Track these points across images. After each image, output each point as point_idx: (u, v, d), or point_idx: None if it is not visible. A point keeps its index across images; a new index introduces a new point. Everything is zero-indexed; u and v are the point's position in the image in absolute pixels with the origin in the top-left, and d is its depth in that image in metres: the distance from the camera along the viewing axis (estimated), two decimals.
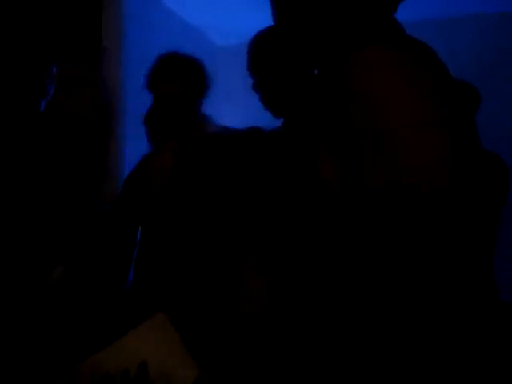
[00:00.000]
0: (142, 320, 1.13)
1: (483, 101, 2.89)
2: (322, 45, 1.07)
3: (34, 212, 2.36)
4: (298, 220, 1.07)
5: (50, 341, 1.91)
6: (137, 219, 2.81)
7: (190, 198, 2.51)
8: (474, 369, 0.97)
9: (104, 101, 3.32)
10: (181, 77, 2.57)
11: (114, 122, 3.55)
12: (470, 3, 4.39)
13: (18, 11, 3.01)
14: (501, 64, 4.20)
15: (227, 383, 1.16)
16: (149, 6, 4.15)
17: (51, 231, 2.45)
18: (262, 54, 2.26)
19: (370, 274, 0.97)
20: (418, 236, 0.91)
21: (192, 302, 2.19)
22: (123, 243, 2.77)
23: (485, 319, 0.96)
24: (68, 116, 2.78)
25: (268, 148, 1.36)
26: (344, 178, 0.94)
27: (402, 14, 1.15)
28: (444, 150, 0.92)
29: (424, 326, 0.95)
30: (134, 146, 3.07)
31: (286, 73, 1.97)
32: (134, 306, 2.44)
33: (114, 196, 3.25)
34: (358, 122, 0.93)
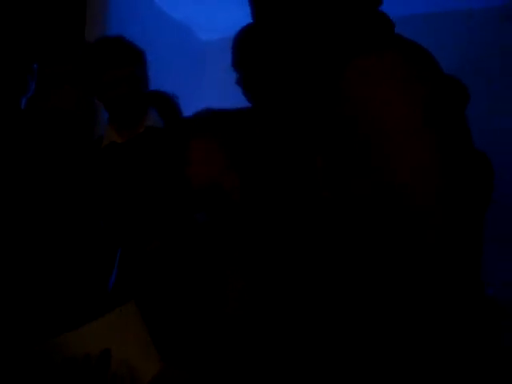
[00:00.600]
0: (113, 308, 1.11)
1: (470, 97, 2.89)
2: (312, 50, 1.05)
3: (15, 209, 2.33)
4: (281, 222, 1.05)
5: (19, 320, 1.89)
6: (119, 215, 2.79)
7: (169, 198, 2.50)
8: (464, 365, 0.97)
9: (88, 98, 3.28)
10: (128, 60, 2.55)
11: (99, 119, 3.52)
12: None
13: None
14: (487, 59, 4.21)
15: (190, 379, 1.14)
16: (133, 2, 4.11)
17: (33, 227, 2.42)
18: (246, 49, 2.24)
19: (356, 274, 0.97)
20: (408, 238, 0.91)
21: (169, 298, 2.18)
22: (108, 239, 2.74)
23: (472, 315, 0.96)
24: (51, 113, 2.75)
25: (256, 147, 1.34)
26: (340, 188, 0.93)
27: (389, 9, 1.14)
28: (436, 155, 0.92)
29: (413, 323, 0.95)
30: None
31: (269, 68, 1.96)
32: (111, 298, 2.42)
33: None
34: (354, 129, 0.92)
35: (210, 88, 3.06)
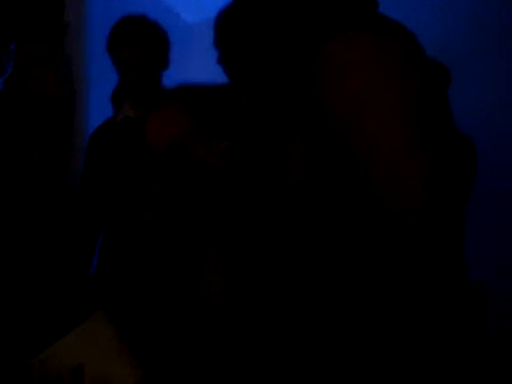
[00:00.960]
0: (82, 319, 1.06)
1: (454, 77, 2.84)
2: (288, 30, 1.01)
3: None
4: (261, 214, 1.01)
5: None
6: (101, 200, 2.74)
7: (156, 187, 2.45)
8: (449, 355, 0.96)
9: (67, 77, 3.21)
10: (141, 42, 2.51)
11: (78, 99, 3.45)
12: None
13: None
14: (474, 36, 4.19)
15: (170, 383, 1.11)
16: None
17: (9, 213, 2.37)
18: (226, 27, 2.21)
19: (331, 259, 0.94)
20: (385, 220, 0.87)
21: (150, 293, 2.14)
22: (90, 224, 2.69)
23: (454, 298, 0.94)
24: (30, 93, 2.68)
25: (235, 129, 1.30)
26: (314, 177, 0.89)
27: None
28: (413, 135, 0.88)
29: (393, 307, 0.92)
30: (98, 122, 2.98)
31: (249, 46, 1.92)
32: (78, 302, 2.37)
33: (78, 174, 3.16)
34: (327, 114, 0.88)
35: (196, 70, 3.00)
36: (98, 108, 3.51)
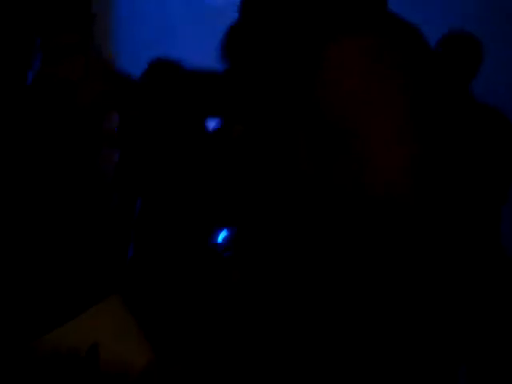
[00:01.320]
0: (97, 301, 1.11)
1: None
2: (295, 27, 1.04)
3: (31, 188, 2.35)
4: (272, 208, 1.05)
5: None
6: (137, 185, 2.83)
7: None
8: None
9: (97, 67, 3.27)
10: None
11: (108, 88, 3.50)
12: None
13: None
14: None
15: (181, 369, 1.15)
16: None
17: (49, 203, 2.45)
18: (234, 37, 2.23)
19: (341, 251, 0.97)
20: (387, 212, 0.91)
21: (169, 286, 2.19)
22: (126, 209, 2.77)
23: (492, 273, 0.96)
24: (61, 84, 2.75)
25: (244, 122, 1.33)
26: (318, 171, 0.94)
27: None
28: (410, 160, 0.92)
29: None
30: None
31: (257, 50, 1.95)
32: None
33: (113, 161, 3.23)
34: (331, 120, 0.92)
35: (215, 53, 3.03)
36: None
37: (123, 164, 2.90)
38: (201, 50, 2.80)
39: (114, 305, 1.09)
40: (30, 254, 2.25)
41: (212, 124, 2.37)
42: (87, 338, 1.05)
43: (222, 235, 2.15)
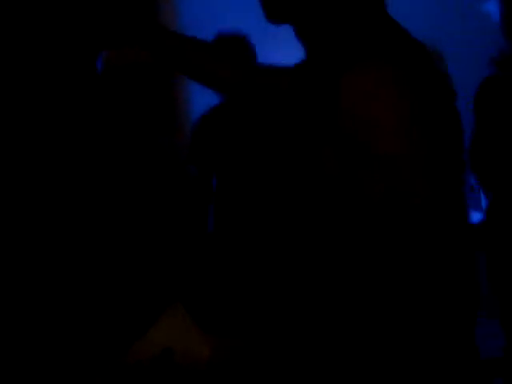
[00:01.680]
0: (162, 309, 1.24)
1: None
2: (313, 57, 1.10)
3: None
4: (295, 210, 1.12)
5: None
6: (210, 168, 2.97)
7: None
8: None
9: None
10: None
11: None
12: None
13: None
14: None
15: (243, 352, 1.24)
16: None
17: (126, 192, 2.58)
18: None
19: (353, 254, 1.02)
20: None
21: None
22: (201, 191, 2.90)
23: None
24: (131, 68, 2.84)
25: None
26: (341, 175, 0.99)
27: None
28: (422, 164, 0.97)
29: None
30: (200, 96, 3.14)
31: None
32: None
33: (184, 146, 3.35)
34: (351, 141, 0.97)
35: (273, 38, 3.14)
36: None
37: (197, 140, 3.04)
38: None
39: (177, 312, 1.24)
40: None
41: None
42: (161, 345, 1.20)
43: None
